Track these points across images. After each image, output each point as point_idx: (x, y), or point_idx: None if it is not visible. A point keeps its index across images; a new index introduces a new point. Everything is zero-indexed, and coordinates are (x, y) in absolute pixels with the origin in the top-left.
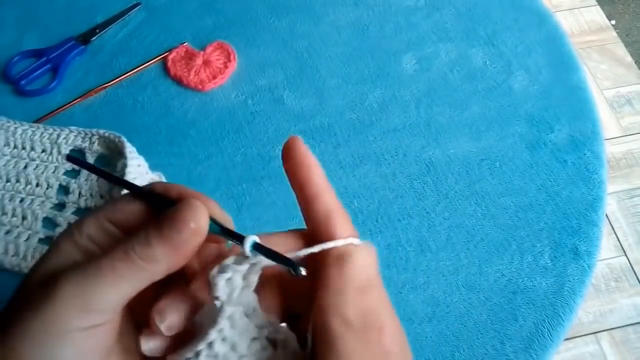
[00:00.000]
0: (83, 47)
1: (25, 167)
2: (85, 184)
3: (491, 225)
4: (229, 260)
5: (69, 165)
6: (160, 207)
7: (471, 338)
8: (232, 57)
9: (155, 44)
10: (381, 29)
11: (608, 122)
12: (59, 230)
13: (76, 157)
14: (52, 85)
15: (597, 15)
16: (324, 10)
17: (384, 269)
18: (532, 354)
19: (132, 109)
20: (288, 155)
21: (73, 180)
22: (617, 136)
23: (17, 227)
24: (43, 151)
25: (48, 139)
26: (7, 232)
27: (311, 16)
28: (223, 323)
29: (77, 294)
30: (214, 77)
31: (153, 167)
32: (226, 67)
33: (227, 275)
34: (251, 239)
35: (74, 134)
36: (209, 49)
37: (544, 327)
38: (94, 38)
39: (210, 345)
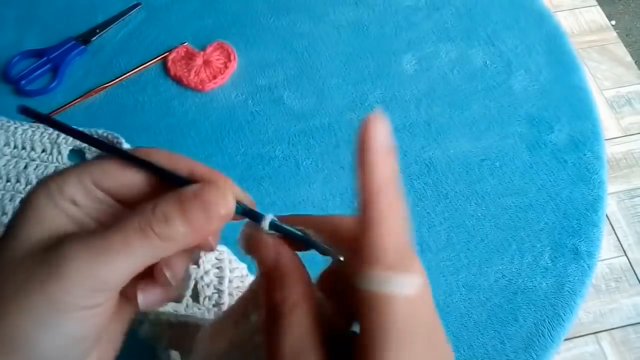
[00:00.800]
0: (83, 47)
1: (26, 167)
2: None
3: (491, 225)
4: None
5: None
6: (166, 180)
7: (471, 338)
8: (232, 57)
9: (155, 44)
10: (381, 29)
11: (608, 122)
12: None
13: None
14: (52, 85)
15: (597, 15)
16: (324, 10)
17: None
18: (532, 354)
19: (132, 109)
20: (364, 150)
21: None
22: (617, 136)
23: None
24: (43, 151)
25: (48, 139)
26: None
27: (311, 16)
28: None
29: (88, 271)
30: (214, 77)
31: None
32: (226, 67)
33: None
34: (269, 218)
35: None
36: (209, 49)
37: (544, 327)
38: (94, 38)
39: None
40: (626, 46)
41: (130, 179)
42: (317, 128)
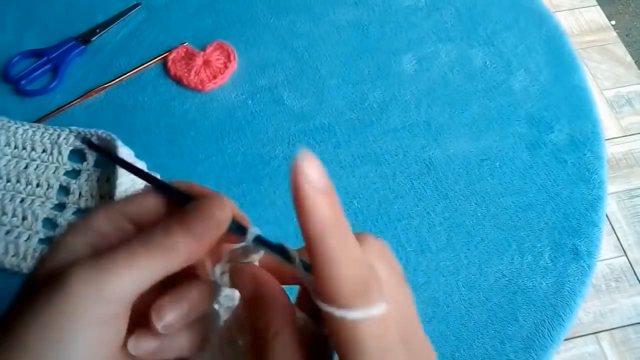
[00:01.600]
0: (83, 47)
1: (26, 167)
2: (86, 185)
3: (491, 225)
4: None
5: (69, 166)
6: (179, 202)
7: (471, 338)
8: (232, 57)
9: (155, 44)
10: (381, 29)
11: (608, 122)
12: (59, 230)
13: (96, 144)
14: (52, 85)
15: (597, 15)
16: (324, 10)
17: None
18: (532, 354)
19: (132, 109)
20: (299, 202)
21: (73, 181)
22: (617, 136)
23: (18, 227)
24: (44, 151)
25: (49, 139)
26: (7, 232)
27: (311, 16)
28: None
29: (91, 280)
30: (214, 77)
31: (153, 167)
32: (226, 67)
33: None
34: (254, 232)
35: (74, 134)
36: (209, 49)
37: (544, 327)
38: (94, 38)
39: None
40: (626, 46)
41: (149, 203)
42: (317, 128)
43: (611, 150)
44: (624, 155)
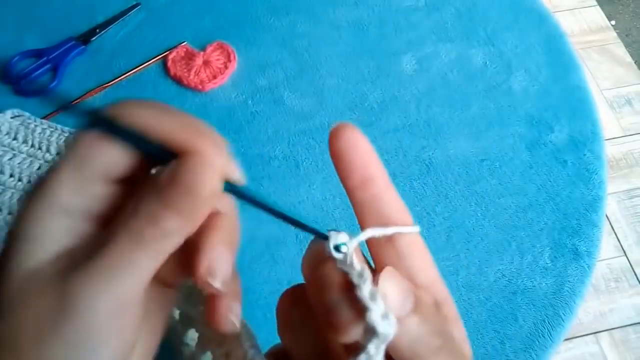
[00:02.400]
0: (83, 47)
1: (39, 168)
2: None
3: (491, 225)
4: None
5: None
6: (149, 150)
7: (471, 338)
8: (232, 57)
9: (155, 44)
10: (381, 29)
11: (608, 122)
12: None
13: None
14: (52, 85)
15: (597, 15)
16: (324, 10)
17: None
18: (532, 354)
19: None
20: (350, 151)
21: None
22: (617, 136)
23: None
24: (58, 153)
25: (65, 141)
26: None
27: (311, 16)
28: None
29: (101, 302)
30: (214, 77)
31: None
32: (226, 67)
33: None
34: (339, 238)
35: None
36: (209, 49)
37: (544, 327)
38: (94, 38)
39: None
40: (626, 46)
41: (118, 156)
42: (317, 128)
43: (611, 150)
44: (624, 155)
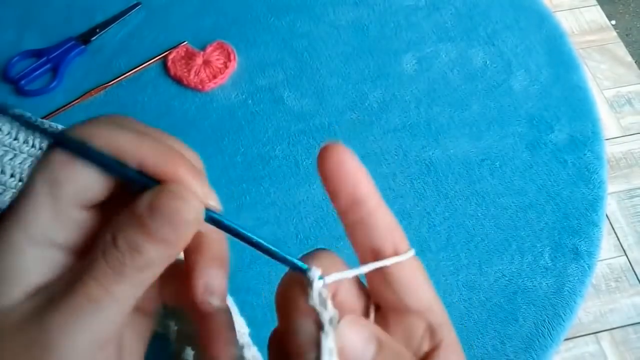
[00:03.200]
0: (83, 47)
1: None
2: None
3: (491, 225)
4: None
5: None
6: (117, 175)
7: (471, 338)
8: (232, 57)
9: (155, 44)
10: (381, 29)
11: (608, 122)
12: None
13: None
14: (52, 85)
15: (597, 15)
16: (324, 10)
17: None
18: (532, 354)
19: (132, 109)
20: (338, 171)
21: None
22: (617, 136)
23: None
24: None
25: (32, 164)
26: None
27: (311, 16)
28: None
29: (82, 340)
30: (214, 77)
31: None
32: (226, 67)
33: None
34: (316, 274)
35: None
36: (209, 49)
37: (544, 327)
38: (94, 38)
39: None
40: (626, 46)
41: (93, 180)
42: (317, 128)
43: (611, 150)
44: (624, 155)
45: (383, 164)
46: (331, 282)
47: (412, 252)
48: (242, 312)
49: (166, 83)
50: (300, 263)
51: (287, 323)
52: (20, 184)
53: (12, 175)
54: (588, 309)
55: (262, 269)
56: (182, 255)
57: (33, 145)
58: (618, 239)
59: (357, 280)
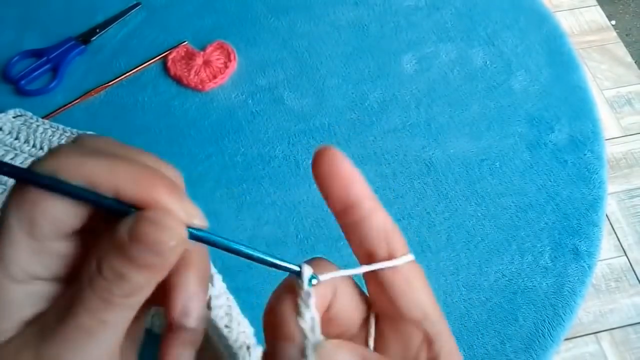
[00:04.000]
0: (83, 47)
1: None
2: None
3: (491, 225)
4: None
5: None
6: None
7: (471, 338)
8: (232, 57)
9: (155, 44)
10: (381, 29)
11: (608, 122)
12: None
13: None
14: (52, 85)
15: (597, 15)
16: (324, 10)
17: None
18: (532, 354)
19: (132, 109)
20: (331, 174)
21: None
22: (617, 136)
23: None
24: None
25: (65, 142)
26: None
27: (311, 16)
28: None
29: None
30: (214, 77)
31: None
32: (226, 67)
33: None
34: (309, 272)
35: None
36: (209, 49)
37: (544, 327)
38: (94, 38)
39: None
40: (626, 46)
41: (68, 210)
42: (317, 128)
43: (611, 150)
44: (624, 155)
45: (383, 164)
46: (325, 286)
47: (409, 257)
48: (243, 312)
49: (166, 83)
50: (292, 265)
51: (272, 346)
52: None
53: None
54: (588, 309)
55: (262, 269)
56: None
57: (34, 145)
58: (618, 239)
59: (357, 289)
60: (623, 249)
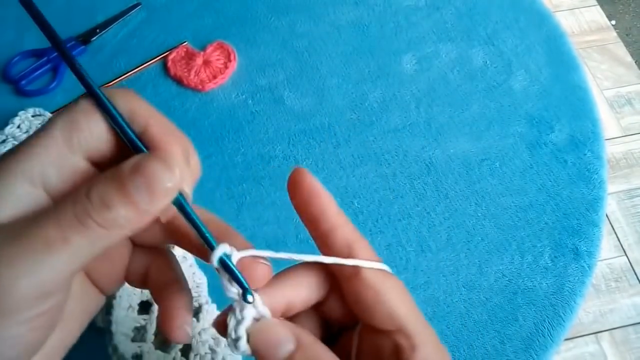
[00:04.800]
0: (83, 47)
1: None
2: None
3: (491, 225)
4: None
5: None
6: (119, 134)
7: (471, 338)
8: (232, 57)
9: (155, 44)
10: (381, 29)
11: (608, 122)
12: None
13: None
14: (52, 85)
15: (597, 15)
16: (324, 10)
17: None
18: (532, 354)
19: None
20: (295, 189)
21: None
22: (617, 136)
23: None
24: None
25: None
26: None
27: (311, 16)
28: None
29: (29, 282)
30: (214, 77)
31: None
32: (226, 67)
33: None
34: (220, 250)
35: None
36: (209, 49)
37: (544, 327)
38: (94, 38)
39: None
40: (626, 46)
41: (102, 133)
42: (317, 128)
43: (611, 150)
44: (624, 155)
45: (383, 164)
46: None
47: (375, 265)
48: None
49: (166, 83)
50: (211, 240)
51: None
52: None
53: None
54: (588, 309)
55: None
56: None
57: None
58: (618, 239)
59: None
60: (623, 249)
